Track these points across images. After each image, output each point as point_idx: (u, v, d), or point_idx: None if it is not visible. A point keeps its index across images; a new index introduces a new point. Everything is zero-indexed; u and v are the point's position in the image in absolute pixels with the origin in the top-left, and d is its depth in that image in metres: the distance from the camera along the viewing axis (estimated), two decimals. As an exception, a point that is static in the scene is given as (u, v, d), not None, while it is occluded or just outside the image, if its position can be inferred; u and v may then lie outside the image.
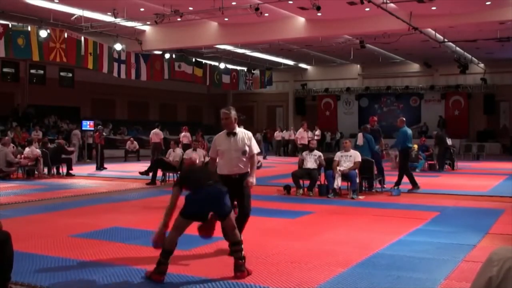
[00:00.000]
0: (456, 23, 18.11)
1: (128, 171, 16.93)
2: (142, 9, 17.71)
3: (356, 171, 10.42)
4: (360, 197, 10.36)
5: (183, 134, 20.51)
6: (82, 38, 17.75)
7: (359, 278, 4.79)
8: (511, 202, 9.67)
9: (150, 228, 7.03)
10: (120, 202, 10.12)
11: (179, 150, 13.57)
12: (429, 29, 19.59)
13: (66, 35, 16.96)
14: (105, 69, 18.87)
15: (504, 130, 29.53)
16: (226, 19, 18.44)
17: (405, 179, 11.41)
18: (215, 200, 4.76)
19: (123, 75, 19.85)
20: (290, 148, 27.88)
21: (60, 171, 15.66)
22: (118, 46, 19.04)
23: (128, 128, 28.54)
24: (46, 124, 24.91)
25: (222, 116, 5.63)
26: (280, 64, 30.88)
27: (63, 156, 15.95)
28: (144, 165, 16.38)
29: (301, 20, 19.04)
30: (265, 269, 5.03)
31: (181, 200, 4.85)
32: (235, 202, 5.52)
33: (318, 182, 11.02)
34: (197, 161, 11.35)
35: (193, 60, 23.36)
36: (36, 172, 14.89)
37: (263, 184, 12.05)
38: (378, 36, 19.87)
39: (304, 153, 11.46)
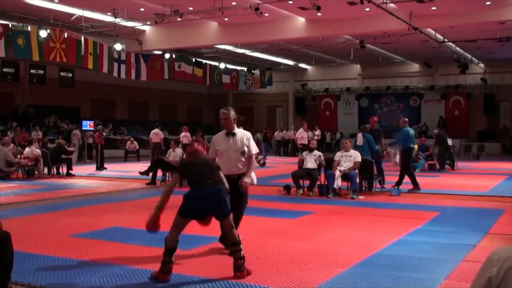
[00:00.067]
0: (456, 23, 18.11)
1: (128, 171, 16.93)
2: (142, 9, 17.72)
3: (356, 171, 10.42)
4: (360, 197, 10.36)
5: (183, 134, 20.51)
6: (82, 38, 17.75)
7: (359, 278, 4.79)
8: (511, 202, 9.67)
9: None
10: (120, 202, 10.12)
11: (179, 150, 13.57)
12: (429, 29, 19.59)
13: (66, 35, 16.97)
14: (105, 69, 18.87)
15: (504, 130, 29.53)
16: (226, 19, 18.45)
17: (406, 179, 11.42)
18: (214, 201, 4.75)
19: (123, 75, 19.86)
20: (290, 148, 27.89)
21: (60, 171, 15.66)
22: (118, 46, 19.04)
23: (128, 128, 28.54)
24: (46, 124, 24.91)
25: (221, 116, 5.64)
26: (280, 64, 30.89)
27: (63, 156, 15.95)
28: (144, 165, 16.39)
29: (301, 20, 19.04)
30: (265, 269, 5.03)
31: (179, 198, 4.85)
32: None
33: (318, 182, 11.02)
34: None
35: (193, 60, 23.37)
36: (36, 172, 14.89)
37: (263, 184, 12.05)
38: (378, 36, 19.88)
39: (304, 153, 11.46)
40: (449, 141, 17.95)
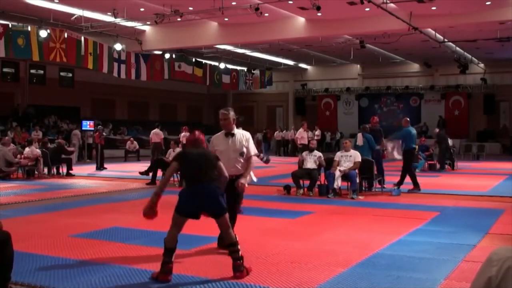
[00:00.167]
0: (456, 23, 18.11)
1: (128, 171, 16.93)
2: (142, 9, 17.72)
3: (356, 171, 10.42)
4: (360, 197, 10.36)
5: (183, 134, 20.49)
6: (82, 38, 17.75)
7: (359, 278, 4.79)
8: (511, 202, 9.67)
9: (150, 228, 7.04)
10: (120, 202, 10.12)
11: (179, 150, 13.57)
12: (429, 29, 19.59)
13: (66, 35, 16.97)
14: (105, 69, 18.87)
15: (504, 130, 29.53)
16: (226, 19, 18.45)
17: (407, 179, 11.41)
18: (209, 200, 4.75)
19: (123, 75, 19.86)
20: (290, 148, 27.90)
21: (60, 171, 15.66)
22: (118, 46, 19.04)
23: (128, 128, 28.54)
24: (46, 124, 24.91)
25: (221, 117, 5.63)
26: (280, 64, 30.89)
27: (63, 156, 15.95)
28: (144, 165, 16.39)
29: (301, 20, 19.04)
30: (265, 269, 5.03)
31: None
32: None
33: (318, 182, 11.02)
34: None
35: (193, 60, 23.36)
36: (36, 172, 14.89)
37: (263, 184, 12.05)
38: (378, 36, 19.88)
39: (304, 153, 11.45)
40: (450, 142, 17.95)
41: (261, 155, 11.47)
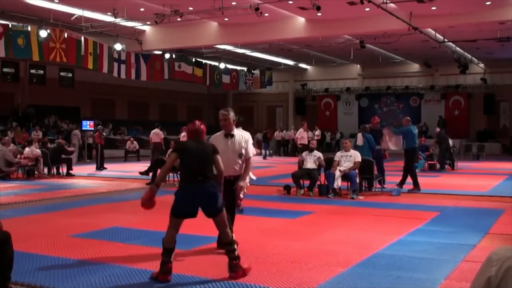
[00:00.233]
0: (456, 23, 18.11)
1: (128, 171, 16.93)
2: (142, 9, 17.71)
3: (356, 171, 10.42)
4: (360, 197, 10.36)
5: (183, 134, 20.43)
6: (82, 38, 17.75)
7: (359, 278, 4.79)
8: (511, 202, 9.67)
9: (150, 228, 7.06)
10: (120, 202, 10.12)
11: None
12: (429, 29, 19.59)
13: (66, 35, 16.97)
14: (105, 69, 18.87)
15: (504, 130, 29.53)
16: (226, 19, 18.44)
17: (408, 179, 11.42)
18: (206, 200, 4.73)
19: (123, 75, 19.85)
20: (290, 148, 27.90)
21: (60, 171, 15.66)
22: (118, 46, 19.04)
23: (128, 128, 28.54)
24: (46, 124, 24.91)
25: (221, 117, 5.62)
26: (280, 64, 30.88)
27: (63, 156, 15.95)
28: (144, 165, 16.39)
29: (301, 20, 19.03)
30: (265, 269, 5.03)
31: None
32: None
33: (318, 182, 11.02)
34: None
35: (193, 60, 23.36)
36: (36, 172, 14.89)
37: (263, 184, 12.06)
38: (378, 36, 19.87)
39: (304, 154, 11.45)
40: (450, 141, 17.94)
41: (263, 151, 11.50)
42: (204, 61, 24.22)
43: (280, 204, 9.60)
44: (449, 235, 6.72)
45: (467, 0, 15.89)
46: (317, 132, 26.84)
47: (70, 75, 28.36)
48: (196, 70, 23.17)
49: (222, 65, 25.18)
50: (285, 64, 31.43)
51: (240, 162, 5.58)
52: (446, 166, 17.32)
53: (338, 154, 10.92)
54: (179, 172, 12.10)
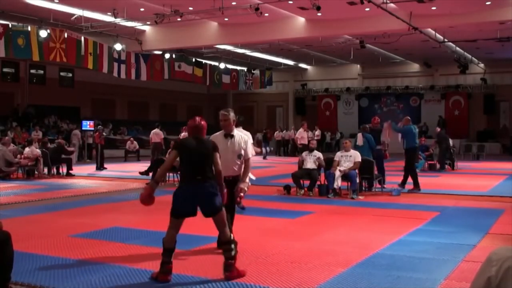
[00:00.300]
0: (456, 23, 18.11)
1: (128, 171, 16.93)
2: (142, 9, 17.71)
3: (356, 171, 10.42)
4: (360, 197, 10.36)
5: (183, 134, 20.44)
6: (82, 38, 17.74)
7: (359, 278, 4.79)
8: (511, 202, 9.67)
9: (150, 228, 7.06)
10: (120, 202, 10.12)
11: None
12: (429, 29, 19.59)
13: (66, 35, 16.96)
14: (105, 69, 18.86)
15: (504, 130, 29.53)
16: (226, 19, 18.44)
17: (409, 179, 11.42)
18: (205, 199, 4.72)
19: (123, 75, 19.85)
20: (290, 148, 27.90)
21: (60, 171, 15.66)
22: (118, 46, 19.03)
23: (128, 128, 28.54)
24: (46, 124, 24.92)
25: (221, 118, 5.62)
26: (280, 64, 30.88)
27: (63, 156, 15.95)
28: (144, 165, 16.40)
29: (301, 20, 19.04)
30: (265, 269, 5.03)
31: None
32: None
33: (318, 182, 11.02)
34: None
35: (193, 60, 23.35)
36: (36, 172, 14.89)
37: (263, 184, 12.06)
38: (378, 36, 19.87)
39: (304, 154, 11.44)
40: (450, 141, 17.94)
41: (263, 149, 11.50)
42: (204, 61, 24.22)
43: (280, 204, 9.59)
44: (449, 235, 6.72)
45: (467, 0, 15.89)
46: (317, 132, 26.84)
47: (70, 75, 28.36)
48: (196, 70, 23.17)
49: (222, 65, 25.17)
50: (285, 64, 31.43)
51: (239, 162, 5.59)
52: (446, 166, 17.32)
53: (338, 154, 10.92)
54: (179, 172, 12.12)
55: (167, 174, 13.36)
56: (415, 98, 32.35)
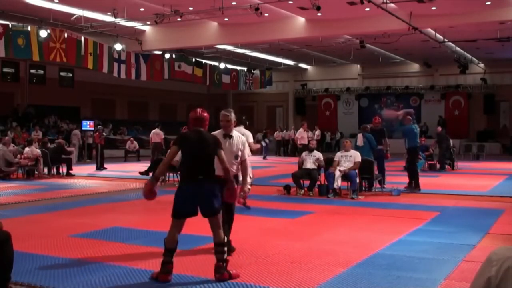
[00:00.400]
0: (456, 23, 18.10)
1: (128, 171, 16.93)
2: (142, 9, 17.71)
3: (356, 171, 10.42)
4: (360, 197, 10.36)
5: (183, 134, 20.49)
6: (82, 38, 17.74)
7: (359, 278, 4.79)
8: (511, 202, 9.67)
9: (150, 228, 7.06)
10: (120, 202, 10.12)
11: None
12: (429, 29, 19.58)
13: (66, 35, 16.96)
14: (105, 69, 18.86)
15: (504, 130, 29.52)
16: (226, 19, 18.44)
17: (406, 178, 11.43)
18: (204, 200, 4.72)
19: (123, 75, 19.85)
20: (290, 148, 27.90)
21: (60, 171, 15.66)
22: (118, 46, 19.03)
23: (128, 128, 28.53)
24: (46, 124, 24.91)
25: (222, 118, 5.63)
26: (280, 64, 30.88)
27: (63, 156, 15.96)
28: (144, 165, 16.39)
29: (301, 20, 19.03)
30: (265, 269, 5.03)
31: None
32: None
33: (318, 182, 11.01)
34: None
35: (193, 60, 23.35)
36: (36, 172, 14.89)
37: (263, 184, 12.06)
38: (378, 36, 19.86)
39: (303, 154, 11.44)
40: (450, 142, 17.92)
41: (263, 143, 11.48)
42: (204, 61, 24.22)
43: (280, 204, 9.60)
44: (449, 235, 6.72)
45: (467, 0, 15.88)
46: (317, 132, 26.82)
47: (70, 75, 28.35)
48: (196, 70, 23.16)
49: (222, 65, 25.17)
50: (285, 64, 31.42)
51: (236, 163, 5.60)
52: (446, 166, 17.32)
53: (338, 154, 10.92)
54: (179, 173, 12.12)
55: (167, 174, 13.36)
56: (415, 98, 32.34)
